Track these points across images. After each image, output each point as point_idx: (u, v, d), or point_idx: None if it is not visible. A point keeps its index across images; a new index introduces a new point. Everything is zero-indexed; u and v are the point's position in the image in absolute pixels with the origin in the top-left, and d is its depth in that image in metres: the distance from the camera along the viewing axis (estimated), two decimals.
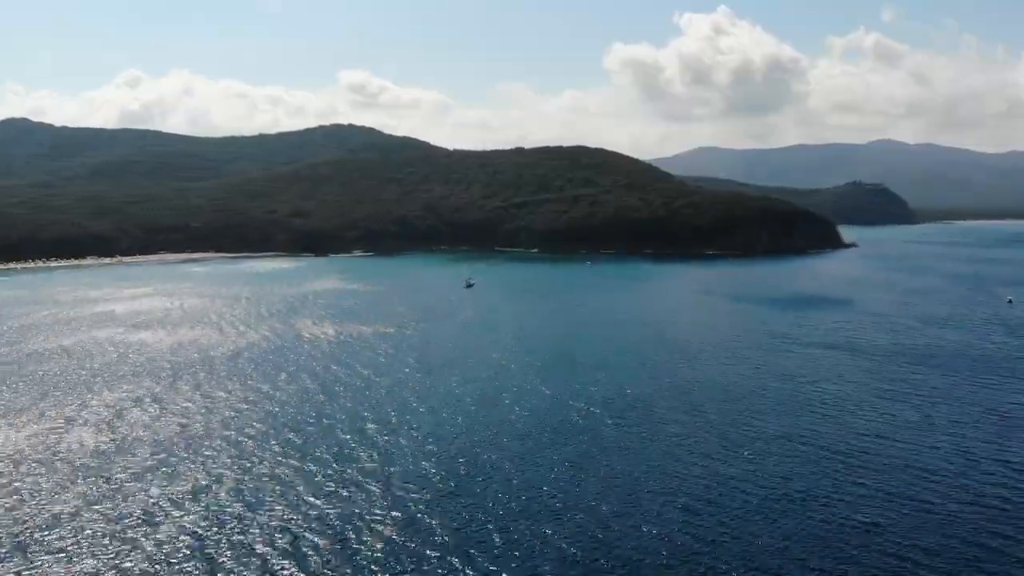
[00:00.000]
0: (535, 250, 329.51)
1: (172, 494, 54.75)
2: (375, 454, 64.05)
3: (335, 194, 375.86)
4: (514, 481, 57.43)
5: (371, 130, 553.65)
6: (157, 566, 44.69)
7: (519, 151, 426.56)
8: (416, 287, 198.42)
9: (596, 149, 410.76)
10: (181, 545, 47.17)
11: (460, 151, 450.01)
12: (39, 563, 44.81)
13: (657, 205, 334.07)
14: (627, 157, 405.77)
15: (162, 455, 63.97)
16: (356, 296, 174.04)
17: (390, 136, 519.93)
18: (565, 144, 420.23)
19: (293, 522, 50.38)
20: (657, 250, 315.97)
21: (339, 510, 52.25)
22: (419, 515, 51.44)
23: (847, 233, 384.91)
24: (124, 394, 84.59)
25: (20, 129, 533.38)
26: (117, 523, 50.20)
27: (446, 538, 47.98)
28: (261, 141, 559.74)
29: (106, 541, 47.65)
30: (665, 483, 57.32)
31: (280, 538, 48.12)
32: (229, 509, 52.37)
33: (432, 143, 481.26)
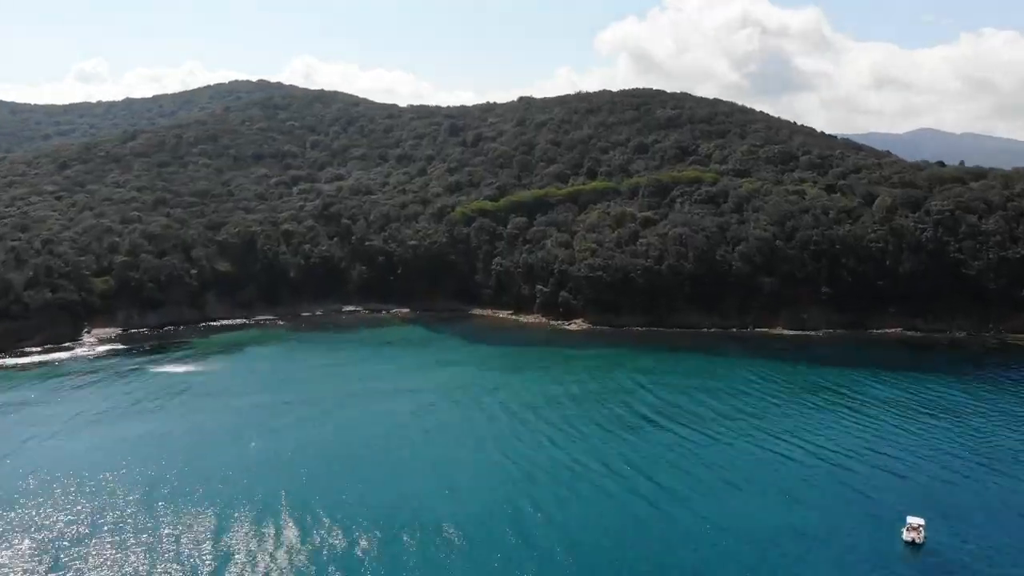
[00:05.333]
0: (572, 325, 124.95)
1: None
2: None
3: (128, 186, 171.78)
4: None
5: (291, 87, 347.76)
6: None
7: (527, 102, 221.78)
8: None
9: (682, 94, 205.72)
10: None
11: (415, 107, 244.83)
12: None
13: (892, 207, 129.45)
14: (742, 107, 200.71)
15: None
16: None
17: (306, 90, 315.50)
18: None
19: None
20: (927, 327, 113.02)
21: None
22: None
23: None
24: None
25: None
26: None
27: None
28: (121, 107, 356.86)
29: None
30: None
31: None
32: None
33: (374, 99, 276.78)
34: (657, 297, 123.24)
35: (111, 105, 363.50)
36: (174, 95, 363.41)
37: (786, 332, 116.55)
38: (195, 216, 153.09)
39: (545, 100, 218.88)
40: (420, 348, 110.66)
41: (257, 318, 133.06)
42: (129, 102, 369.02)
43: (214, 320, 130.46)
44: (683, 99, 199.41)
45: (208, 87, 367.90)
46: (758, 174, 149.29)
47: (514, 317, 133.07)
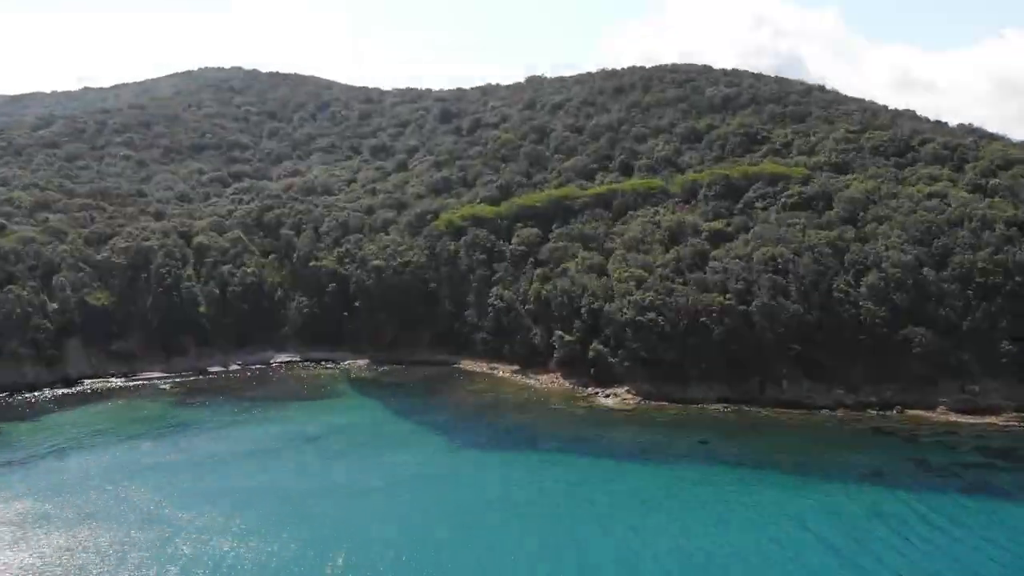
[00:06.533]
0: (610, 398, 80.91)
1: None
2: None
3: (14, 184, 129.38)
4: None
5: (269, 75, 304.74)
6: None
7: (537, 81, 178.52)
8: None
9: (734, 70, 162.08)
10: None
11: (400, 89, 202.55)
12: None
13: None
14: (820, 86, 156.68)
15: None
16: None
17: (274, 73, 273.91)
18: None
19: None
20: None
21: None
22: None
23: None
24: None
25: None
26: None
27: None
28: (74, 97, 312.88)
29: None
30: None
31: None
32: None
33: (354, 84, 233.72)
34: (745, 356, 79.45)
35: (64, 95, 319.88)
36: (135, 84, 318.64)
37: (955, 418, 72.72)
38: (80, 225, 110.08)
39: (561, 79, 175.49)
40: (360, 458, 66.76)
41: (141, 376, 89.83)
42: (86, 91, 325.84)
43: (76, 382, 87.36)
44: (739, 75, 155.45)
45: (176, 74, 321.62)
46: (866, 170, 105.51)
47: (521, 377, 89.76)
